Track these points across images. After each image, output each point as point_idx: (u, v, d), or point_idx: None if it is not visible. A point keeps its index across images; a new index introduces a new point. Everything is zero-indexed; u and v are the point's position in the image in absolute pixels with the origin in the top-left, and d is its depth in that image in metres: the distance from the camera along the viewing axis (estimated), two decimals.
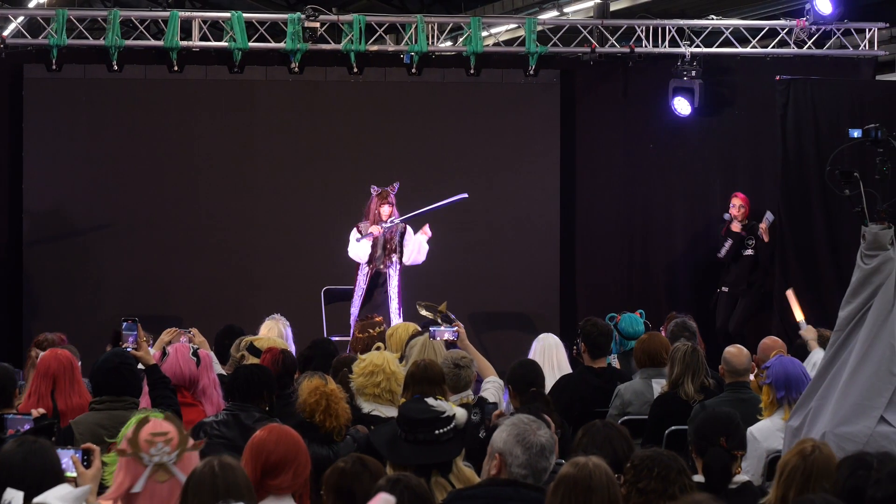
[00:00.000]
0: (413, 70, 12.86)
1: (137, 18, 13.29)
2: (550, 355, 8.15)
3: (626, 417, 7.29)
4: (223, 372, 7.63)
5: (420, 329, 8.20)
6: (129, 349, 6.43)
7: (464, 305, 11.55)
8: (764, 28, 13.37)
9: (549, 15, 16.17)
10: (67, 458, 4.38)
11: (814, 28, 13.12)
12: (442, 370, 6.55)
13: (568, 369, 8.20)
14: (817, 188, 12.25)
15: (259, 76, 12.86)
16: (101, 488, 4.46)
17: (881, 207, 5.73)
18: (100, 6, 18.74)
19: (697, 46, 13.06)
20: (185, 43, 12.53)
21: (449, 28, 14.05)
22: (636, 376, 7.69)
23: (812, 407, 5.60)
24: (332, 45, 12.77)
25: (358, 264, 11.66)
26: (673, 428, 6.88)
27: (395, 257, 11.59)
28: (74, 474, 4.36)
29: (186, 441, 4.10)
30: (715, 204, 13.16)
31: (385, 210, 11.49)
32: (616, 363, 8.53)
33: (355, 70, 12.79)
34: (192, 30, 12.62)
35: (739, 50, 13.27)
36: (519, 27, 13.84)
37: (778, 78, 12.59)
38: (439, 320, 9.21)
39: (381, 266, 11.60)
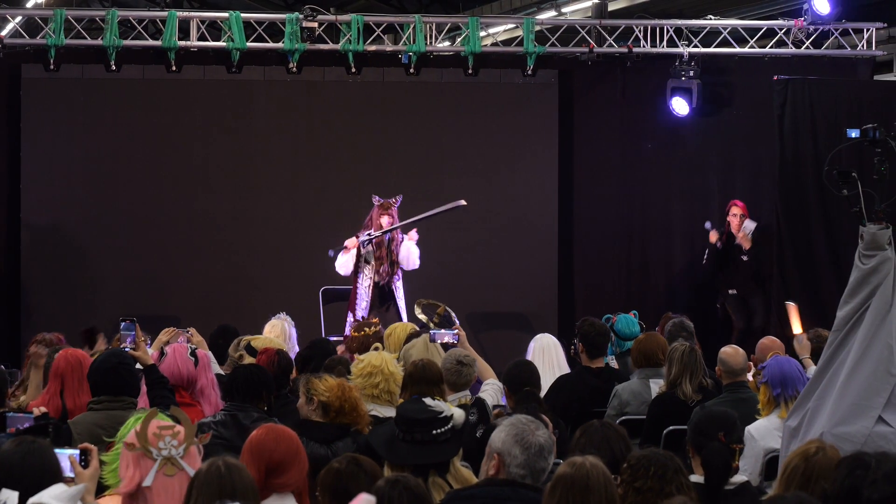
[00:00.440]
0: (411, 70, 12.85)
1: (135, 18, 13.29)
2: (548, 355, 8.15)
3: (623, 417, 7.29)
4: (221, 371, 7.64)
5: (418, 329, 8.19)
6: (127, 349, 6.43)
7: (462, 306, 11.54)
8: (762, 28, 13.37)
9: (547, 15, 16.17)
10: (65, 459, 4.39)
11: (812, 28, 13.13)
12: (440, 370, 6.55)
13: (566, 369, 8.21)
14: (815, 188, 12.25)
15: (257, 76, 12.86)
16: (100, 488, 4.47)
17: (879, 207, 5.72)
18: (98, 6, 18.74)
19: (695, 46, 13.07)
20: (183, 43, 12.52)
21: (447, 28, 14.06)
22: (634, 376, 7.69)
23: (810, 407, 5.60)
24: (330, 45, 12.77)
25: (356, 274, 11.54)
26: (671, 428, 6.88)
27: (399, 270, 11.45)
28: (72, 474, 4.37)
29: (193, 434, 4.16)
30: (713, 203, 13.17)
31: (384, 220, 11.39)
32: (614, 364, 8.54)
33: (353, 70, 12.79)
34: (190, 30, 12.62)
35: (737, 50, 13.27)
36: (517, 27, 13.84)
37: (776, 78, 12.59)
38: (434, 322, 9.20)
39: (387, 277, 11.42)
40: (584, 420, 5.35)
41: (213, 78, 12.79)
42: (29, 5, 16.55)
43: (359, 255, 11.38)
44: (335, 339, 10.13)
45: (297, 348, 8.62)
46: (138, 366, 6.41)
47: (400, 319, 11.08)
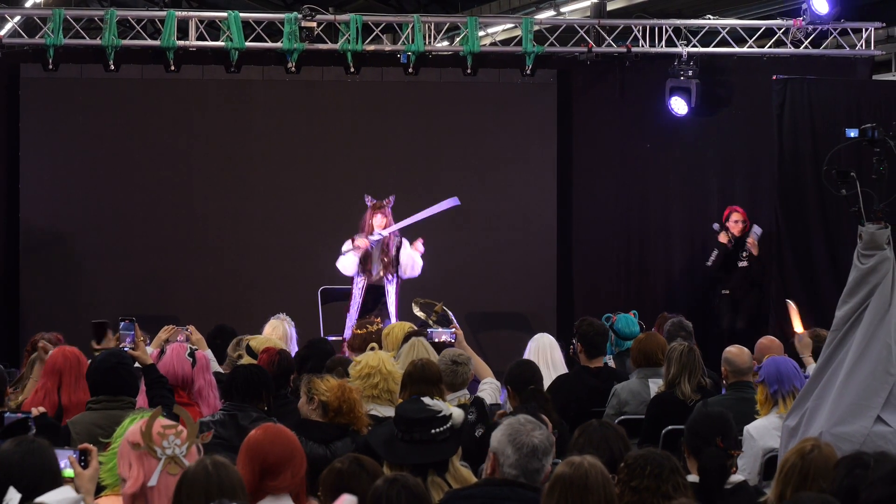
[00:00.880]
0: (410, 70, 12.85)
1: (134, 18, 13.29)
2: (545, 355, 8.15)
3: (622, 417, 7.29)
4: (220, 370, 7.64)
5: (416, 328, 8.19)
6: (126, 349, 6.43)
7: (460, 305, 11.53)
8: (761, 28, 13.37)
9: (546, 15, 16.18)
10: (65, 459, 4.39)
11: (810, 28, 13.12)
12: (439, 370, 6.55)
13: (563, 369, 8.20)
14: (814, 188, 12.25)
15: (256, 76, 12.85)
16: (99, 488, 4.47)
17: (878, 207, 5.72)
18: (96, 6, 18.75)
19: (694, 46, 13.07)
20: (181, 43, 12.52)
21: (446, 28, 14.05)
22: (633, 376, 7.69)
23: (809, 407, 5.60)
24: (328, 45, 12.76)
25: (353, 276, 11.56)
26: (669, 427, 6.88)
27: (392, 270, 11.46)
28: (72, 475, 4.37)
29: (196, 433, 4.16)
30: (711, 203, 13.16)
31: (378, 220, 11.40)
32: (612, 364, 8.54)
33: (352, 70, 12.79)
34: (188, 29, 12.62)
35: (736, 50, 13.27)
36: (515, 27, 13.85)
37: (774, 77, 12.59)
38: (432, 321, 9.18)
39: (378, 278, 11.46)
40: (583, 420, 5.34)
41: (212, 78, 12.79)
42: (28, 5, 16.56)
43: (366, 255, 11.41)
44: (334, 338, 10.13)
45: (296, 348, 8.61)
46: (137, 365, 6.41)
47: (388, 321, 11.14)
